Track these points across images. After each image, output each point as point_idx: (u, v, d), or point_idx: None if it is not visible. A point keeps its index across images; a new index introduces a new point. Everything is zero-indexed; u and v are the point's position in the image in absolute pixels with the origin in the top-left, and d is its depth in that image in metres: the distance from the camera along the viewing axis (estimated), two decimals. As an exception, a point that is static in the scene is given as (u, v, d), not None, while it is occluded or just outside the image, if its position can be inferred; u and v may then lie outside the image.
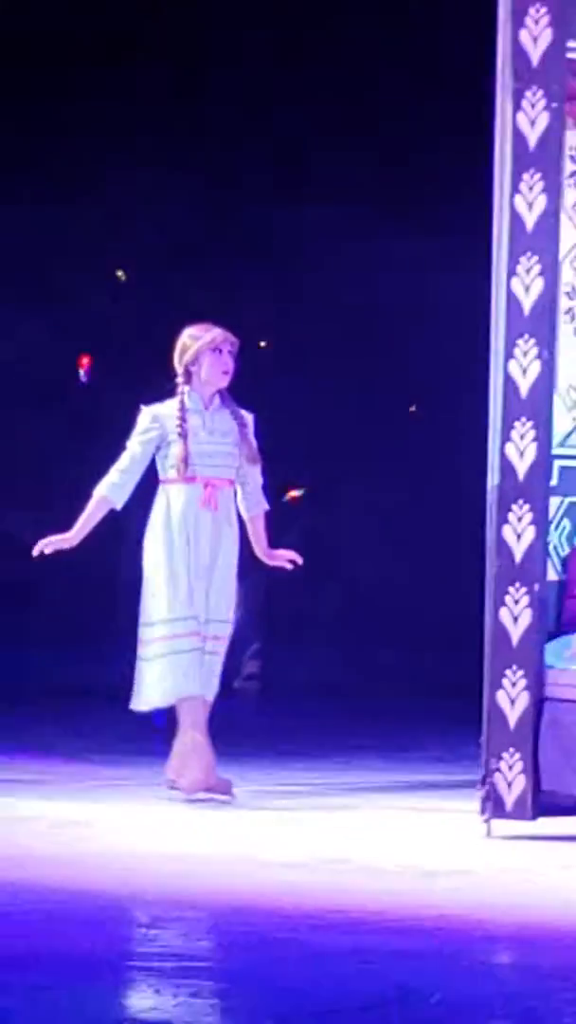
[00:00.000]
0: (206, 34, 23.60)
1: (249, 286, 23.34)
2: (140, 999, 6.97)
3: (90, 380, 25.24)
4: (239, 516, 11.75)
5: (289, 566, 11.86)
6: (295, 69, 23.14)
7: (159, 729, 12.32)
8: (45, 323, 23.35)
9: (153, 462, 11.60)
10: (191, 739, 11.54)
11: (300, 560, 11.84)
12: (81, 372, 24.89)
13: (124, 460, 11.60)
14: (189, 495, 11.39)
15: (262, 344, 24.17)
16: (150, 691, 11.59)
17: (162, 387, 12.88)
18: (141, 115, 22.75)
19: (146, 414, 11.49)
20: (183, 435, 11.33)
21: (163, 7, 23.66)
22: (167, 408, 11.49)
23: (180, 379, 11.55)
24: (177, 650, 11.44)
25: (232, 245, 23.88)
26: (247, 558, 15.31)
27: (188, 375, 11.44)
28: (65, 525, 12.13)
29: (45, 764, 13.45)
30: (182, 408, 11.40)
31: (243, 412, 11.58)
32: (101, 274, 25.29)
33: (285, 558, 11.79)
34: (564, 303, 10.96)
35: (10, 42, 22.18)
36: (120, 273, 25.37)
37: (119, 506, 11.73)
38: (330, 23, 23.41)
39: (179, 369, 11.55)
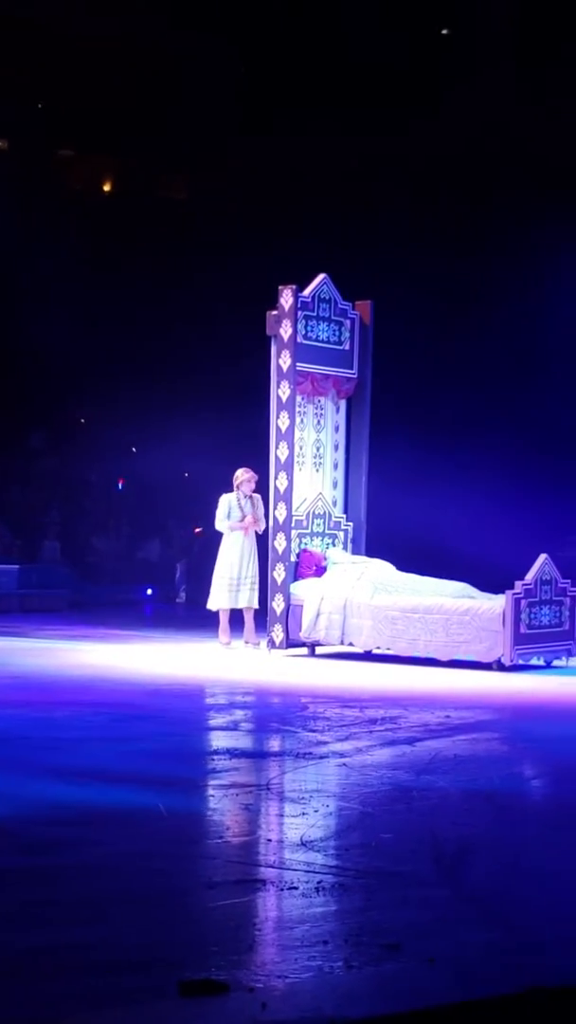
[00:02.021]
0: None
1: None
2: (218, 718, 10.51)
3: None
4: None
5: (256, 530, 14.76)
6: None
7: (148, 616, 15.87)
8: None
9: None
10: (225, 625, 14.96)
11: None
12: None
13: (218, 515, 14.95)
14: (238, 530, 14.91)
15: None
16: (215, 602, 14.93)
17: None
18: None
19: (223, 498, 14.95)
20: (240, 508, 14.82)
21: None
22: (231, 496, 14.91)
23: (235, 486, 14.99)
24: (231, 588, 14.93)
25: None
26: (187, 545, 20.13)
27: (237, 487, 15.02)
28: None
29: (114, 631, 16.87)
30: (239, 499, 14.89)
31: (255, 495, 14.97)
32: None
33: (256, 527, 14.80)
34: (295, 461, 14.75)
35: None
36: None
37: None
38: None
39: (235, 483, 15.00)
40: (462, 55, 22.69)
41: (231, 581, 14.94)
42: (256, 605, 14.95)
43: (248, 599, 14.97)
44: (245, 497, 15.03)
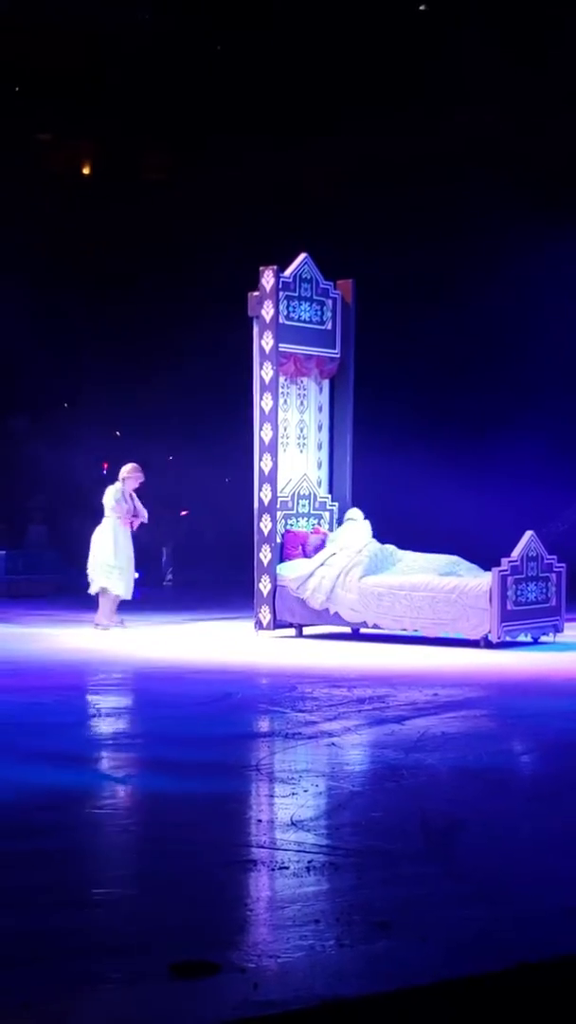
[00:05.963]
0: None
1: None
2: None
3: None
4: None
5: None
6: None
7: (135, 599, 15.54)
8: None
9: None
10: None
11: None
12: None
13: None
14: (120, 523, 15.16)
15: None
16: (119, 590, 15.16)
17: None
18: None
19: (109, 490, 15.13)
20: (126, 502, 15.01)
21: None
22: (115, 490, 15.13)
23: (119, 481, 15.25)
24: (118, 578, 15.11)
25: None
26: (170, 532, 20.08)
27: (123, 481, 15.24)
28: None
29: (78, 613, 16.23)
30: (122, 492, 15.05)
31: (132, 492, 15.15)
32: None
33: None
34: (280, 443, 14.76)
35: None
36: None
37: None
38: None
39: (120, 477, 15.28)
40: (438, 37, 22.65)
41: (111, 567, 15.11)
42: (123, 594, 15.09)
43: (118, 586, 15.05)
44: (127, 493, 15.16)
